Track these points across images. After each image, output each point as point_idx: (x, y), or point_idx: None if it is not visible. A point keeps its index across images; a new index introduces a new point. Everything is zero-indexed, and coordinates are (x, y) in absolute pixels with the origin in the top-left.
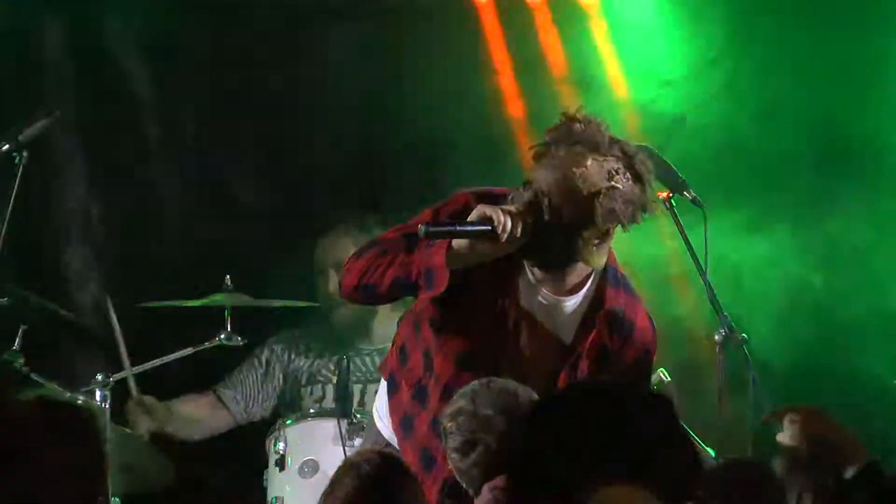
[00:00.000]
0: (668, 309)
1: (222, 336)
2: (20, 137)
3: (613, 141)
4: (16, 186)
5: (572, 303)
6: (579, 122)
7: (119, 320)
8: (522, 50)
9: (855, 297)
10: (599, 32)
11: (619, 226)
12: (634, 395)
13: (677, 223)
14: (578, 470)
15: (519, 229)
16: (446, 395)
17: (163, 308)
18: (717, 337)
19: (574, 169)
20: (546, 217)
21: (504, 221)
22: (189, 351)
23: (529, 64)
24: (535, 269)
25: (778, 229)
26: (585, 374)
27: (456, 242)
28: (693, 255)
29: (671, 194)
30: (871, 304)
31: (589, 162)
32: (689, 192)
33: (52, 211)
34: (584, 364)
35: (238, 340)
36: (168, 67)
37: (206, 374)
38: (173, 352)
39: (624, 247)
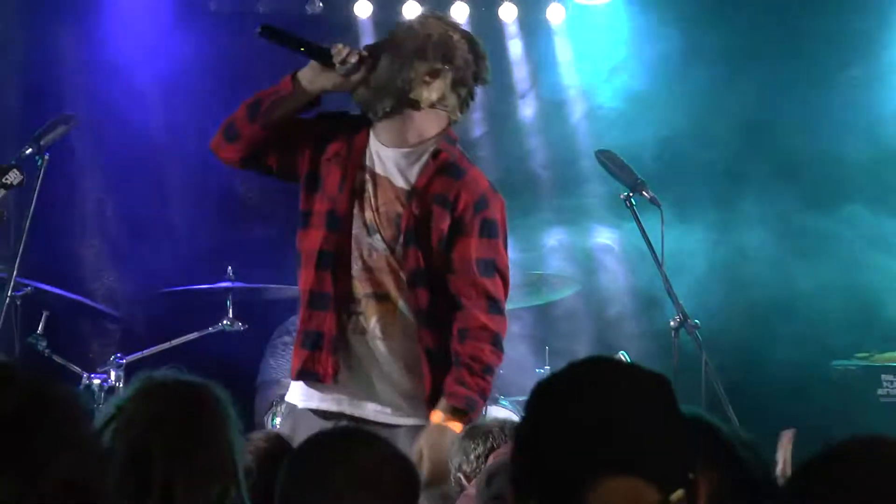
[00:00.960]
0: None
1: (225, 321)
2: (42, 142)
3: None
4: (38, 186)
5: (412, 157)
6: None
7: (139, 305)
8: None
9: (772, 285)
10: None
11: (451, 70)
12: (628, 381)
13: (637, 220)
14: (576, 464)
15: (354, 58)
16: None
17: (177, 295)
18: (672, 323)
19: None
20: (384, 51)
21: (341, 48)
22: (195, 335)
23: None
24: (378, 126)
25: (698, 223)
26: (418, 214)
27: (300, 73)
28: (651, 249)
29: (631, 194)
30: (783, 290)
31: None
32: (647, 192)
33: (73, 207)
34: (416, 203)
35: (239, 326)
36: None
37: (213, 356)
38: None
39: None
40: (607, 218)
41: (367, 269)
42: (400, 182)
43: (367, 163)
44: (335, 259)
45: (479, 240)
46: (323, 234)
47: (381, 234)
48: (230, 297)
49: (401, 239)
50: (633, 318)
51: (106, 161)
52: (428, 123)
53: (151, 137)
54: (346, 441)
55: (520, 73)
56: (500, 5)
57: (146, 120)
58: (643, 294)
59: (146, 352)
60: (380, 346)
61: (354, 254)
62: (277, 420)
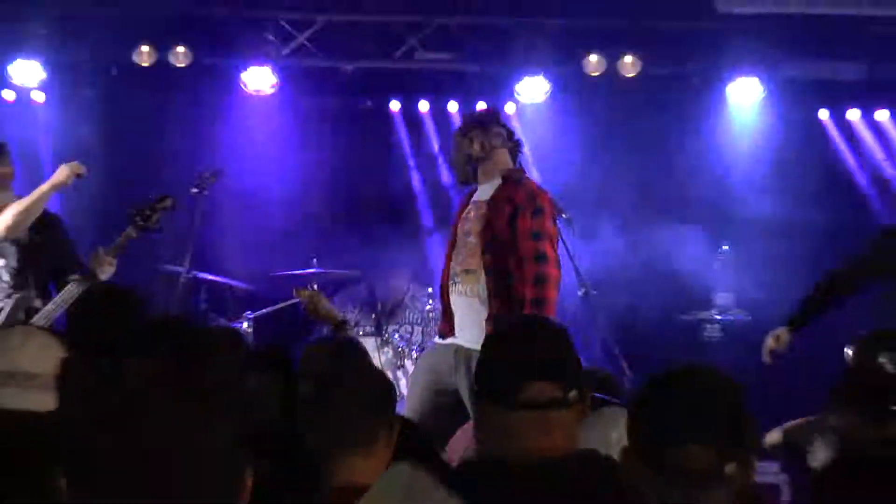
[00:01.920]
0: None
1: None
2: (204, 184)
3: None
4: (201, 211)
5: (483, 199)
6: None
7: (261, 282)
8: None
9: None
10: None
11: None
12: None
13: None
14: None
15: None
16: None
17: (281, 278)
18: (579, 293)
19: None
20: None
21: None
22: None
23: None
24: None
25: (598, 235)
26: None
27: None
28: (566, 248)
29: (556, 214)
30: (648, 272)
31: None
32: (565, 213)
33: (222, 224)
34: (489, 206)
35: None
36: None
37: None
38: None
39: None
40: None
41: (464, 255)
42: (485, 198)
43: (474, 199)
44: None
45: (532, 219)
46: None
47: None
48: (315, 279)
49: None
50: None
51: (236, 194)
52: (492, 166)
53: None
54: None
55: None
56: (477, 101)
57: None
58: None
59: (258, 313)
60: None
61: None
62: None
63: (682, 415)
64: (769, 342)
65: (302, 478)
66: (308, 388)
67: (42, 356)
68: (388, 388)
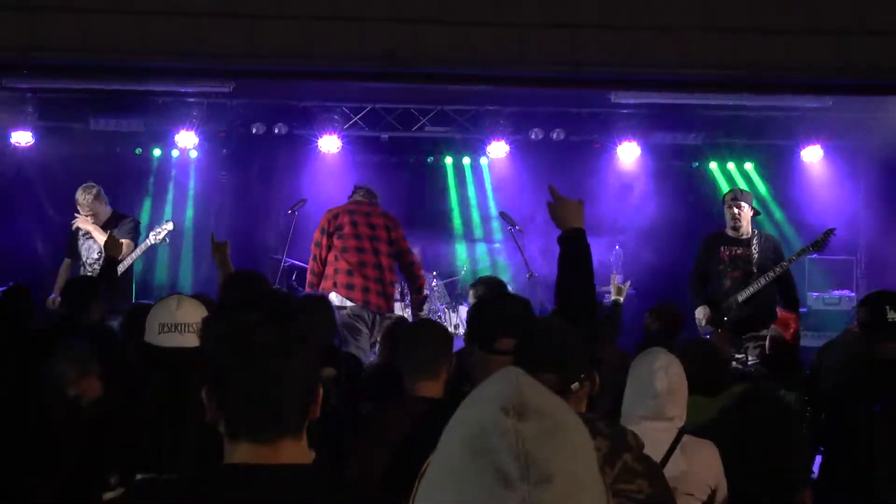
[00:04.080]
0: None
1: None
2: (295, 209)
3: None
4: (293, 226)
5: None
6: None
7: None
8: None
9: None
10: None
11: None
12: None
13: (515, 238)
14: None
15: None
16: None
17: None
18: (526, 276)
19: None
20: None
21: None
22: None
23: None
24: None
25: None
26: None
27: None
28: (520, 247)
29: (510, 227)
30: None
31: None
32: (517, 226)
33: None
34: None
35: None
36: None
37: None
38: None
39: None
40: (497, 237)
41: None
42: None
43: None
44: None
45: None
46: None
47: None
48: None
49: None
50: (518, 271)
51: (313, 214)
52: None
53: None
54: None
55: (463, 189)
56: (463, 156)
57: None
58: (518, 268)
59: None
60: None
61: None
62: None
63: (542, 353)
64: (700, 313)
65: (393, 392)
66: (406, 334)
67: (191, 312)
68: (449, 336)
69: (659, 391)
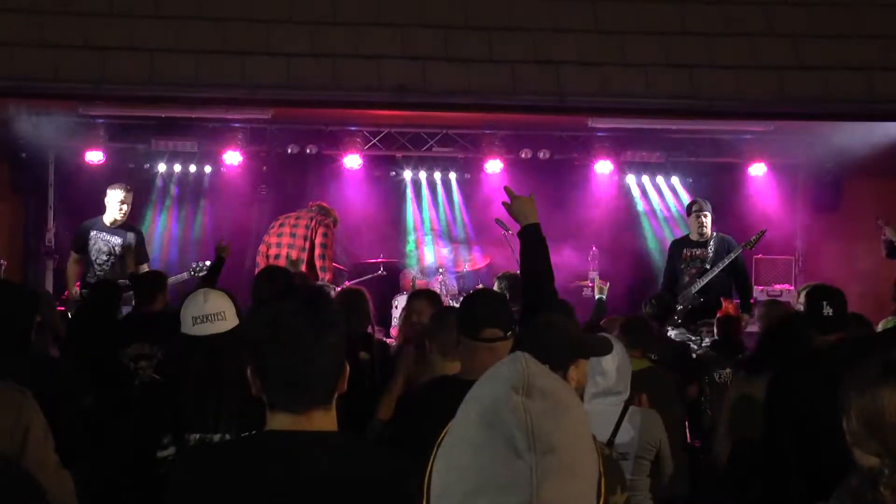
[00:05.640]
0: None
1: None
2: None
3: None
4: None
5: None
6: None
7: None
8: None
9: None
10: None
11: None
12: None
13: (510, 243)
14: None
15: None
16: None
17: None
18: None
19: None
20: None
21: None
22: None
23: None
24: None
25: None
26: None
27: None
28: (512, 249)
29: (504, 231)
30: None
31: None
32: (511, 231)
33: None
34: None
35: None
36: None
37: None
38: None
39: None
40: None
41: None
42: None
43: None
44: None
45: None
46: None
47: None
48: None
49: None
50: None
51: (340, 219)
52: None
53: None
54: None
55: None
56: (464, 174)
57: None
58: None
59: (358, 280)
60: None
61: None
62: None
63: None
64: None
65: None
66: (434, 320)
67: (217, 302)
68: None
69: (607, 370)
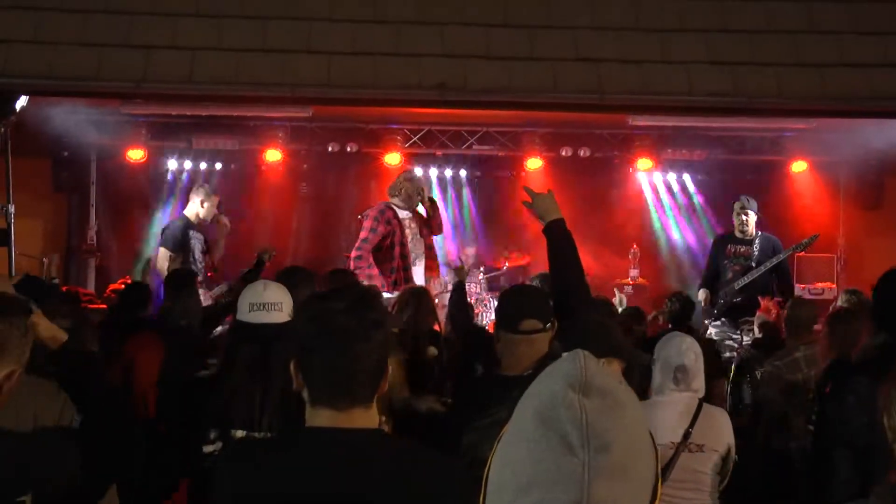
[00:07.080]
0: None
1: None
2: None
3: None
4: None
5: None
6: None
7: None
8: None
9: None
10: None
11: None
12: None
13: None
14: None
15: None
16: None
17: None
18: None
19: None
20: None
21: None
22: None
23: None
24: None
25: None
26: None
27: None
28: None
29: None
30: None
31: None
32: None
33: None
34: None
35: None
36: None
37: None
38: None
39: None
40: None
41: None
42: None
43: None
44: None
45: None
46: None
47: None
48: None
49: None
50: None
51: None
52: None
53: None
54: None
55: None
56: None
57: None
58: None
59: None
60: None
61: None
62: None
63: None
64: (701, 295)
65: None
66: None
67: (276, 293)
68: None
69: (687, 366)
